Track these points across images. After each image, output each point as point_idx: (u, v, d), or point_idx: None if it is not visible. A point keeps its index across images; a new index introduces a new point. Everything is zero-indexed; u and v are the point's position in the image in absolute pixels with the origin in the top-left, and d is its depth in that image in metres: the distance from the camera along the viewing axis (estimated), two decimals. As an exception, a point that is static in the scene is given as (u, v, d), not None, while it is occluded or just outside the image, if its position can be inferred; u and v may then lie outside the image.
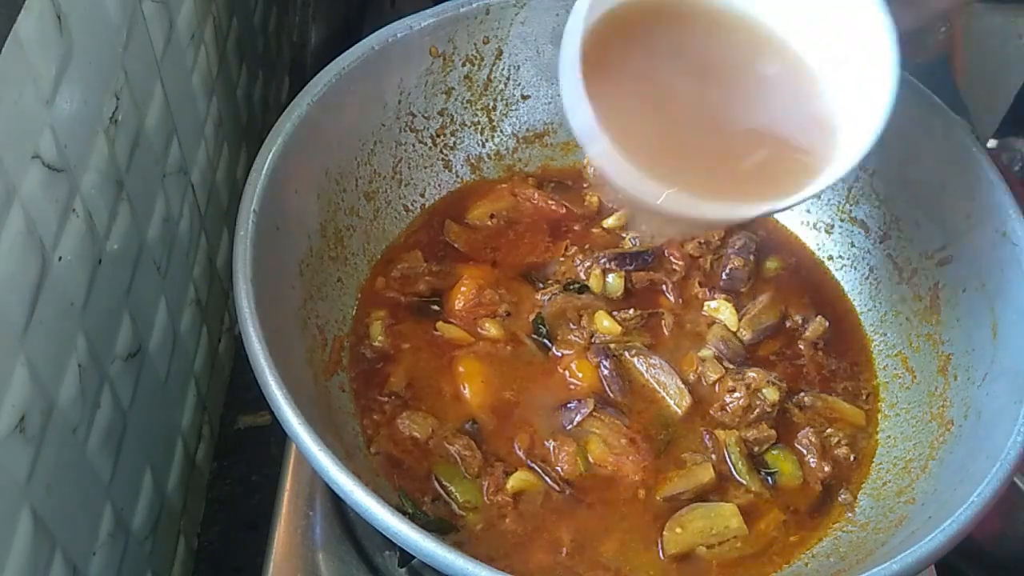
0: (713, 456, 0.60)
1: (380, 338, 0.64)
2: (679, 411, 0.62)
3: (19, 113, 0.42)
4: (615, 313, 0.66)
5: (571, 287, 0.67)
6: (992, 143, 0.95)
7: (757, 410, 0.62)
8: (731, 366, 0.64)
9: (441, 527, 0.56)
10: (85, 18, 0.49)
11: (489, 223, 0.72)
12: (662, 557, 0.56)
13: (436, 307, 0.67)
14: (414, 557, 0.47)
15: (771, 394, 0.62)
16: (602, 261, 0.68)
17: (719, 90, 0.51)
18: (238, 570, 0.72)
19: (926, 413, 0.61)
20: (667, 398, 0.62)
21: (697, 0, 0.51)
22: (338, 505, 0.62)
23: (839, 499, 0.60)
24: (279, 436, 0.55)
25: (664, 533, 0.56)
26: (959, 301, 0.63)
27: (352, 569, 0.60)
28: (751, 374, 0.63)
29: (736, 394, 0.62)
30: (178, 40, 0.64)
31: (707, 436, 0.61)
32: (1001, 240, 0.60)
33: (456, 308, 0.66)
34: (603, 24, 0.49)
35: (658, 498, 0.58)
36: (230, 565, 0.73)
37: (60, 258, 0.47)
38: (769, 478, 0.60)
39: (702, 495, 0.58)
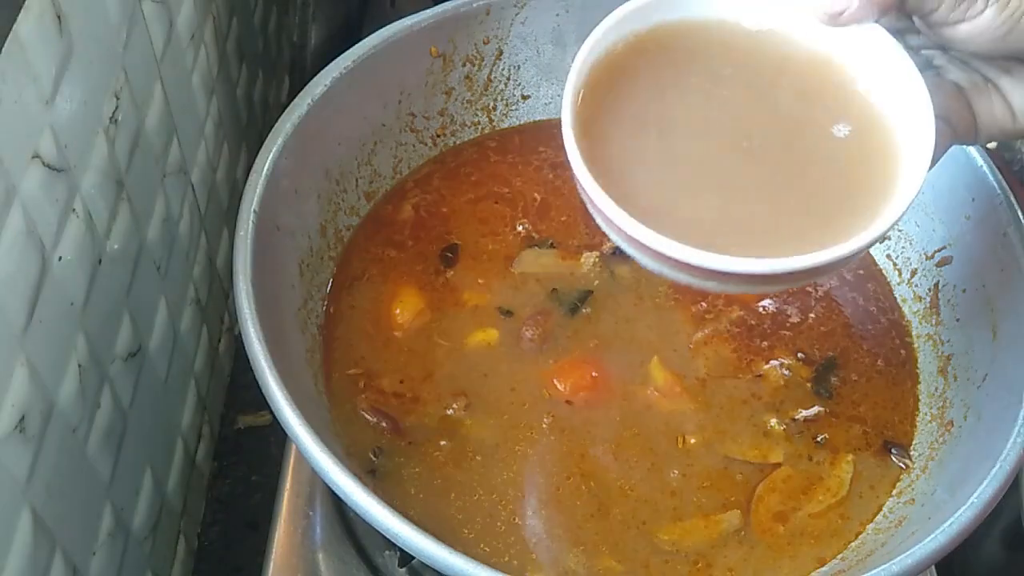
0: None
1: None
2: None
3: (19, 113, 0.42)
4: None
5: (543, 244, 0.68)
6: (992, 143, 0.95)
7: (793, 387, 0.61)
8: (755, 345, 0.63)
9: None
10: (85, 18, 0.49)
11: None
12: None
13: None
14: (414, 557, 0.47)
15: (802, 370, 0.62)
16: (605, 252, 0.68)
17: (746, 118, 0.46)
18: (238, 570, 0.72)
19: (926, 414, 0.61)
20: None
21: (707, 25, 0.46)
22: (338, 505, 0.62)
23: (892, 457, 0.60)
24: (279, 436, 0.55)
25: (751, 516, 0.56)
26: (959, 301, 0.63)
27: (352, 569, 0.60)
28: (777, 358, 0.63)
29: (767, 370, 0.62)
30: (178, 40, 0.64)
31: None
32: (1001, 240, 0.60)
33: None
34: (602, 77, 0.44)
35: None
36: (230, 565, 0.73)
37: (60, 258, 0.47)
38: (821, 440, 0.60)
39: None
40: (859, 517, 0.57)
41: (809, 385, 0.62)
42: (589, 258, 0.67)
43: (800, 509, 0.57)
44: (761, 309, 0.66)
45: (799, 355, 0.63)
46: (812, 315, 0.66)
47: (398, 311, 0.64)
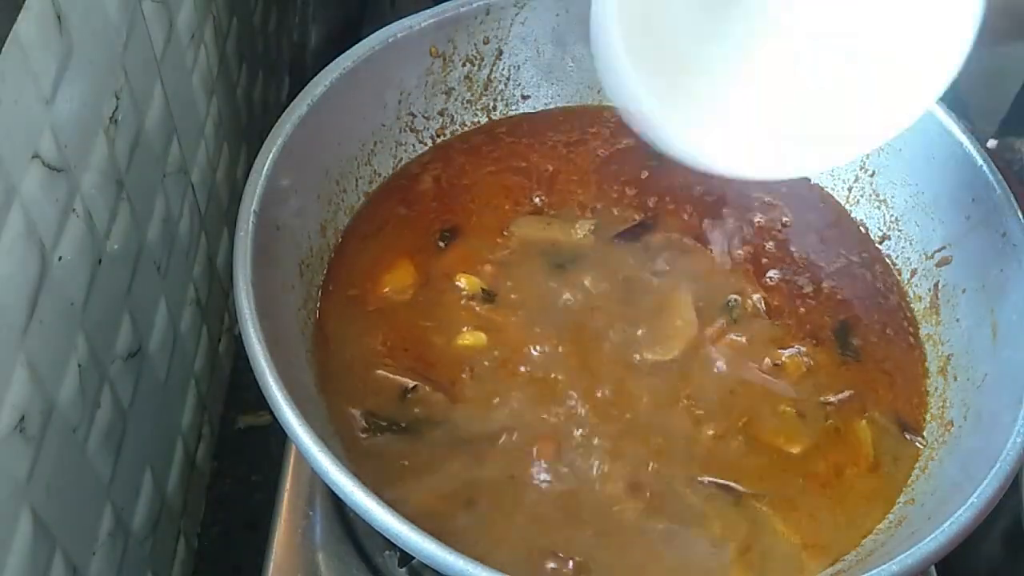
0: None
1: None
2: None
3: (19, 113, 0.42)
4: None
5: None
6: (992, 143, 0.95)
7: (817, 372, 0.61)
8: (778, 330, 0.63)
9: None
10: (85, 18, 0.49)
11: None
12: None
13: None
14: (414, 557, 0.47)
15: (819, 355, 0.62)
16: None
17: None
18: (238, 570, 0.72)
19: (927, 413, 0.61)
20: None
21: None
22: (338, 505, 0.62)
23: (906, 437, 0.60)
24: (279, 436, 0.55)
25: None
26: (959, 301, 0.63)
27: (352, 569, 0.60)
28: (792, 347, 0.62)
29: (790, 357, 0.62)
30: (178, 40, 0.64)
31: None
32: (1001, 240, 0.60)
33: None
34: None
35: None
36: (230, 565, 0.73)
37: (60, 258, 0.47)
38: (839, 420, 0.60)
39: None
40: (892, 493, 0.57)
41: (835, 362, 0.62)
42: (585, 225, 0.67)
43: (830, 490, 0.57)
44: (797, 289, 0.66)
45: (822, 338, 0.63)
46: (838, 296, 0.66)
47: (387, 286, 0.64)
